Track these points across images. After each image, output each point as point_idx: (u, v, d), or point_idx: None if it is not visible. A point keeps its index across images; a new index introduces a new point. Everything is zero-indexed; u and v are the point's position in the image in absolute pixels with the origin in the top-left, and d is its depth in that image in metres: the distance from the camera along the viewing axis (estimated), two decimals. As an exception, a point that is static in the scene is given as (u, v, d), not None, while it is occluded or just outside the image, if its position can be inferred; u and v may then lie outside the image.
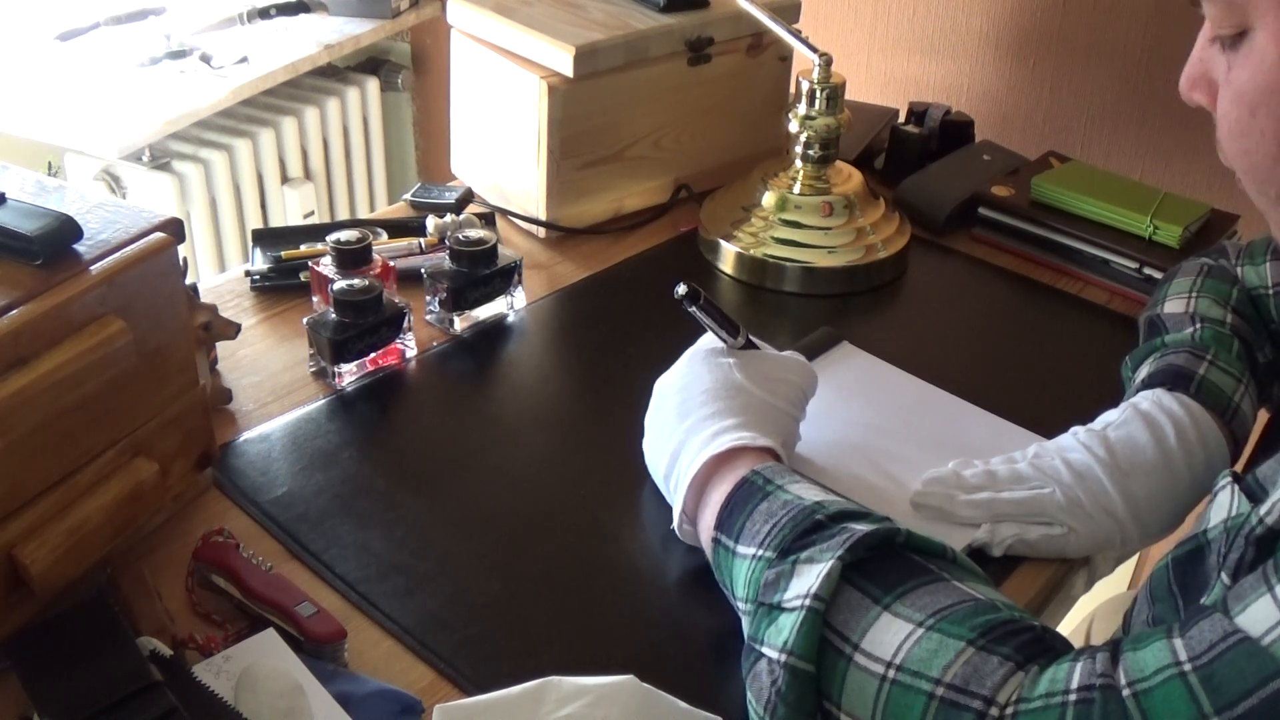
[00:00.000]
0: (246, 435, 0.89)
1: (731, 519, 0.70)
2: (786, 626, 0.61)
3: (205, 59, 1.88)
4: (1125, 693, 0.53)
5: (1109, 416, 0.82)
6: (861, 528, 0.64)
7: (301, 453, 0.88)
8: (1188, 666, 0.52)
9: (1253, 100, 0.58)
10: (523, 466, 0.88)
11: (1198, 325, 0.87)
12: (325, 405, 0.93)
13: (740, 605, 0.69)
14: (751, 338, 0.84)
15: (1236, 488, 0.62)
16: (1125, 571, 0.99)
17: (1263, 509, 0.57)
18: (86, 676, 0.64)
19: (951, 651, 0.57)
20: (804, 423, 0.85)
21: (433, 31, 2.25)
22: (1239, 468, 0.74)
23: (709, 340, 0.83)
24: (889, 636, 0.59)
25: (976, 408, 0.94)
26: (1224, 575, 0.58)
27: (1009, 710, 0.55)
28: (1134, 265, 1.12)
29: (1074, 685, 0.54)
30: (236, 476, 0.85)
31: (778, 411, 0.79)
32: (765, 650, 0.62)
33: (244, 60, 1.90)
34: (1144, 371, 0.86)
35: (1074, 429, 0.82)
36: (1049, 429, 0.85)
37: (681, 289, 0.79)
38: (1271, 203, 0.63)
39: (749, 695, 0.63)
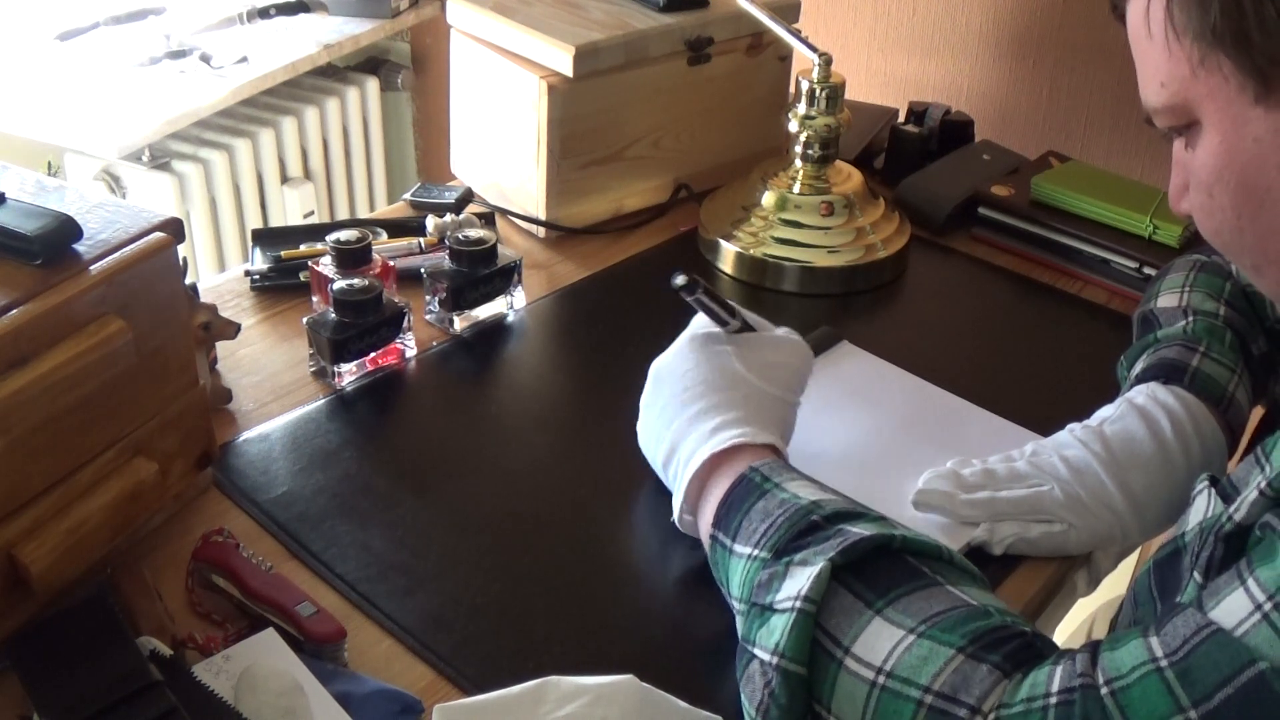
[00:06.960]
0: (246, 435, 0.89)
1: (729, 517, 0.70)
2: (778, 628, 0.61)
3: (205, 59, 1.88)
4: (1104, 691, 0.53)
5: (1105, 412, 0.82)
6: (857, 530, 0.64)
7: (301, 452, 0.88)
8: (1164, 662, 0.52)
9: (1208, 181, 0.61)
10: (522, 466, 0.88)
11: (1190, 318, 0.87)
12: (325, 405, 0.93)
13: (735, 604, 0.69)
14: (745, 316, 0.83)
15: (1213, 490, 0.63)
16: (1126, 572, 0.99)
17: (1232, 507, 0.58)
18: (86, 676, 0.64)
19: (941, 659, 0.57)
20: (803, 422, 0.84)
21: (433, 31, 2.25)
22: (1233, 463, 0.74)
23: (704, 323, 0.83)
24: (880, 642, 0.59)
25: (976, 407, 0.94)
26: (1196, 574, 0.59)
27: (991, 717, 0.55)
28: (1134, 265, 1.12)
29: (1054, 689, 0.55)
30: (236, 476, 0.85)
31: (777, 401, 0.79)
32: (757, 652, 0.62)
33: (244, 60, 1.90)
34: (1138, 367, 0.86)
35: (1070, 426, 0.82)
36: (1048, 428, 0.85)
37: (680, 279, 0.78)
38: (1253, 272, 0.64)
39: (743, 696, 0.63)
